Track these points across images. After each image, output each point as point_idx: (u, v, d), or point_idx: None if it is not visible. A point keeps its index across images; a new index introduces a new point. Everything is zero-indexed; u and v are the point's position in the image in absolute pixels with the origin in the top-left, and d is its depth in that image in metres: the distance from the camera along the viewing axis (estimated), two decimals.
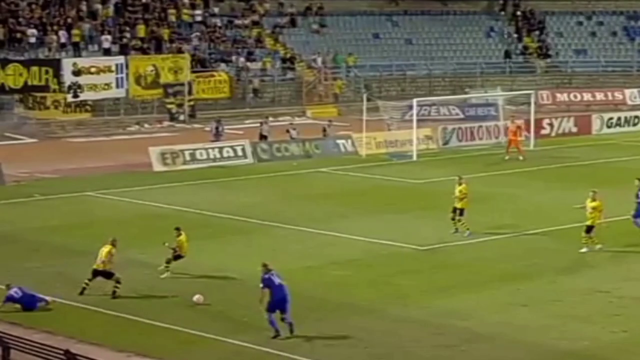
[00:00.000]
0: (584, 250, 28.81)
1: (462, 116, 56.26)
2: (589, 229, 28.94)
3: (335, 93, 62.99)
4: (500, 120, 51.24)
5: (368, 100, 48.46)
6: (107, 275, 24.84)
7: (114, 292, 24.73)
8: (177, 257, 26.47)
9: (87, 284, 24.82)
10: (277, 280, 22.24)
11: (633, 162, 44.23)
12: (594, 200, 29.25)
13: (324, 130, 48.51)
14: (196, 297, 24.03)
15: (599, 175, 41.53)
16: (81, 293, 24.67)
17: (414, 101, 47.54)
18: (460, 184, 31.00)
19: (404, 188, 38.75)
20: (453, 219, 30.79)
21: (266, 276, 22.18)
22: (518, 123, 47.20)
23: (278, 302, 21.99)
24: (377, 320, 23.02)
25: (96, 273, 24.89)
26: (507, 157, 44.79)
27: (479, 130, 50.33)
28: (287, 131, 47.89)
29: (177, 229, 26.64)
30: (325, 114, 57.37)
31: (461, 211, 30.65)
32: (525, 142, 47.34)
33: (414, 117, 46.62)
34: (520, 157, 44.38)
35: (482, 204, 34.02)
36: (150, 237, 29.50)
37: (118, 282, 24.80)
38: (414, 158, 45.59)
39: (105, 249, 24.98)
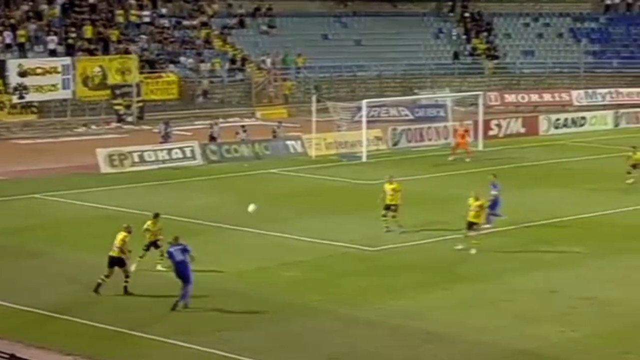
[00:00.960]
0: (458, 246, 29.01)
1: (411, 117, 56.55)
2: (471, 226, 28.97)
3: (285, 94, 62.95)
4: (450, 121, 51.47)
5: (318, 101, 48.64)
6: (121, 263, 24.70)
7: (125, 287, 24.69)
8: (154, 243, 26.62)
9: (103, 280, 24.58)
10: (178, 257, 23.58)
11: (580, 163, 44.90)
12: (477, 199, 29.29)
13: (274, 131, 48.51)
14: (252, 208, 26.53)
15: (546, 175, 41.99)
16: (96, 290, 24.49)
17: (364, 102, 47.77)
18: (391, 183, 31.56)
19: (354, 189, 38.99)
20: (384, 216, 31.27)
21: (171, 249, 23.77)
22: (466, 126, 47.51)
23: (177, 276, 23.35)
24: (329, 321, 23.10)
25: (112, 261, 24.70)
26: (451, 158, 44.99)
27: (429, 131, 50.70)
28: (237, 133, 47.75)
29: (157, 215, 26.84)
30: (275, 115, 57.60)
31: (393, 208, 31.17)
32: (473, 143, 47.75)
33: (364, 118, 46.78)
34: (467, 159, 44.54)
35: (431, 204, 34.40)
36: (100, 239, 29.29)
37: (127, 276, 24.77)
38: (364, 159, 45.80)
39: (120, 236, 24.92)
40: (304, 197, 37.33)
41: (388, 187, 31.70)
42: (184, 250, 23.84)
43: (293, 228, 31.57)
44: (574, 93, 65.51)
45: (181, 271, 23.73)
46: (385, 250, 29.51)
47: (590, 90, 65.54)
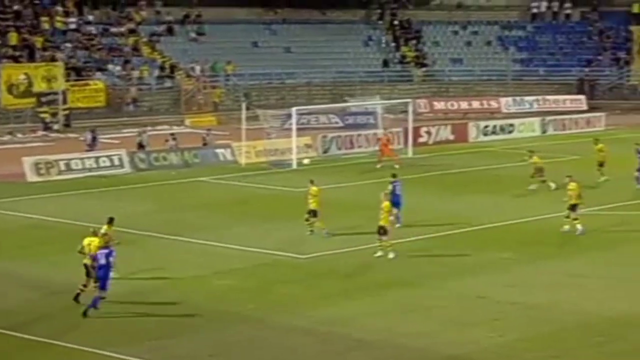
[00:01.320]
0: (379, 254, 29.26)
1: (341, 124, 56.90)
2: (381, 230, 29.31)
3: (215, 102, 62.96)
4: (380, 129, 51.90)
5: (247, 109, 48.69)
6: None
7: (77, 294, 24.36)
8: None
9: (82, 289, 24.30)
10: (101, 261, 23.62)
11: (508, 169, 45.41)
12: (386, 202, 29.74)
13: (204, 139, 48.52)
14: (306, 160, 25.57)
15: (475, 182, 42.43)
16: (76, 299, 24.21)
17: (294, 110, 47.80)
18: (313, 185, 32.14)
19: (284, 197, 39.04)
20: (307, 220, 31.75)
21: (98, 252, 23.82)
22: (388, 135, 47.84)
23: (95, 281, 23.40)
24: (262, 330, 23.12)
25: (88, 269, 24.47)
26: (379, 166, 45.09)
27: (358, 139, 51.04)
28: (166, 140, 47.68)
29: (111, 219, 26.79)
30: (204, 123, 57.39)
31: (314, 212, 31.68)
32: (402, 151, 48.31)
33: (294, 126, 46.85)
34: (396, 165, 44.61)
35: (359, 211, 34.45)
36: (27, 249, 28.91)
37: (85, 285, 24.33)
38: (294, 166, 45.90)
39: (94, 242, 24.60)
40: (234, 205, 37.29)
41: (310, 190, 32.18)
42: (108, 255, 23.79)
43: (224, 236, 31.52)
44: (503, 100, 66.52)
45: (100, 276, 23.62)
46: (315, 257, 29.54)
47: (518, 98, 66.85)
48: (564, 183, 34.44)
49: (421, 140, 52.72)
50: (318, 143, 49.80)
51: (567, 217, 32.52)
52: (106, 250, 24.00)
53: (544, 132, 57.98)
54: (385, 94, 64.63)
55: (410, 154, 49.23)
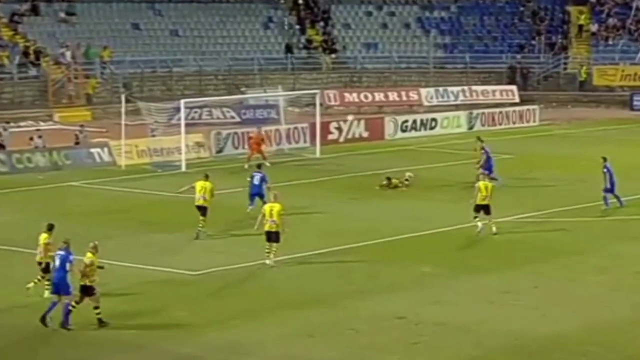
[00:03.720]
0: (268, 262, 29.98)
1: (238, 119, 56.79)
2: (270, 236, 30.05)
3: (88, 93, 62.85)
4: (282, 124, 52.38)
5: (127, 101, 48.38)
6: (89, 291, 25.10)
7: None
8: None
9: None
10: (57, 263, 24.65)
11: (430, 171, 45.90)
12: (274, 205, 30.31)
13: (76, 137, 48.54)
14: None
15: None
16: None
17: (182, 102, 47.76)
18: (206, 181, 33.69)
19: (172, 203, 38.84)
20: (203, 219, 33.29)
21: (57, 252, 25.03)
22: (262, 135, 47.95)
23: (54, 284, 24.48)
24: (148, 358, 23.24)
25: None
26: (246, 166, 44.90)
27: None
28: (31, 139, 47.53)
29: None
30: (76, 118, 57.36)
31: (204, 211, 33.21)
32: (308, 150, 48.81)
33: (182, 121, 46.88)
34: (267, 164, 44.23)
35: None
36: None
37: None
38: (183, 168, 46.03)
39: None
40: (114, 214, 37.30)
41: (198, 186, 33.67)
42: (65, 258, 24.60)
43: (104, 251, 30.74)
44: (423, 91, 67.44)
45: (55, 283, 24.43)
46: (207, 274, 29.56)
47: (441, 89, 67.73)
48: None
49: (331, 137, 53.37)
50: (211, 141, 49.90)
51: (476, 217, 33.58)
52: (62, 253, 24.89)
53: (470, 127, 58.99)
54: (289, 84, 65.65)
55: (317, 153, 49.67)
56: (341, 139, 53.90)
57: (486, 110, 61.41)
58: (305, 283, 28.92)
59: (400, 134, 56.29)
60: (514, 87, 69.23)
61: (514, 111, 62.52)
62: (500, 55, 73.93)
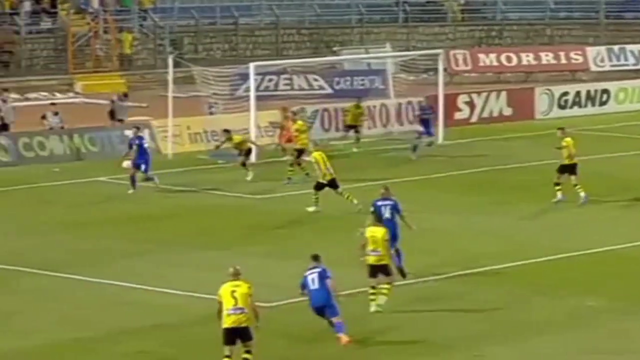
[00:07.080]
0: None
1: (329, 90, 56.62)
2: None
3: (122, 54, 62.46)
4: (391, 98, 52.40)
5: (177, 65, 48.98)
6: None
7: None
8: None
9: None
10: None
11: (599, 164, 44.18)
12: None
13: (111, 113, 48.30)
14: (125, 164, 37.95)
15: (542, 184, 41.12)
16: None
17: (252, 66, 47.24)
18: (295, 122, 38.30)
19: (235, 207, 39.26)
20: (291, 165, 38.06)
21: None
22: (290, 115, 46.96)
23: None
24: None
25: None
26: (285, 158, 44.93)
27: None
28: (44, 117, 47.66)
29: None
30: (106, 88, 56.99)
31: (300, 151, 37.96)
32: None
33: (252, 93, 46.40)
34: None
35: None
36: None
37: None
38: (253, 159, 45.00)
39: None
40: (151, 223, 37.32)
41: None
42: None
43: (134, 272, 31.62)
44: (591, 51, 65.11)
45: None
46: (287, 305, 28.44)
47: (616, 47, 65.93)
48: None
49: (459, 116, 52.89)
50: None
51: None
52: None
53: None
54: (401, 42, 64.53)
55: (440, 138, 49.02)
56: (473, 118, 53.60)
57: None
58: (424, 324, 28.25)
59: (556, 112, 55.58)
60: None
61: None
62: None
